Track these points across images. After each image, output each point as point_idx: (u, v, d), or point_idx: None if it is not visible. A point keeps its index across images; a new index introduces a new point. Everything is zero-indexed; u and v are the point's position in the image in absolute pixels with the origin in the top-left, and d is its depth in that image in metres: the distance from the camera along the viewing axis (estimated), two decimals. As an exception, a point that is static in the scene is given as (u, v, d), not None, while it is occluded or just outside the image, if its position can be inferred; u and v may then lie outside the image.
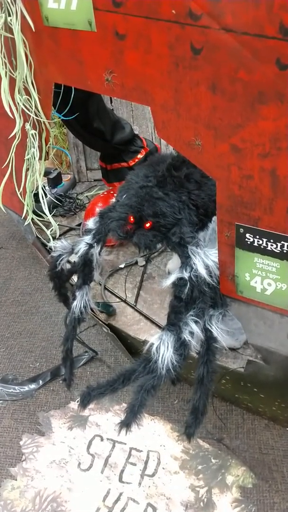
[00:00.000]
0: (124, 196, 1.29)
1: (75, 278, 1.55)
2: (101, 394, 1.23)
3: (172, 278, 1.20)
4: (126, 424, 1.15)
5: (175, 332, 1.16)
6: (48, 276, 1.53)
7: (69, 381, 1.50)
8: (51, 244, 1.59)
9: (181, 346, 1.16)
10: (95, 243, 1.35)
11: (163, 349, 1.14)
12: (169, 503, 1.47)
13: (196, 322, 1.17)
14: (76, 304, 1.39)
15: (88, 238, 1.36)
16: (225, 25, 0.84)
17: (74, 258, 1.47)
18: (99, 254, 1.38)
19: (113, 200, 2.06)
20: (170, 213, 1.23)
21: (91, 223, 1.38)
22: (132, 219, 1.25)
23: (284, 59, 0.81)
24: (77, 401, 1.22)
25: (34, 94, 1.17)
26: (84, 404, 1.26)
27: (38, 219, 1.57)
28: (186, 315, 1.17)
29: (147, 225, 1.25)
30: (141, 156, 2.13)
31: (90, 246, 1.35)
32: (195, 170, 1.28)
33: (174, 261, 1.73)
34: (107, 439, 1.65)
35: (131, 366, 1.22)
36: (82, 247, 1.35)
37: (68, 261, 1.49)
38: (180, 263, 1.31)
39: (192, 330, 1.17)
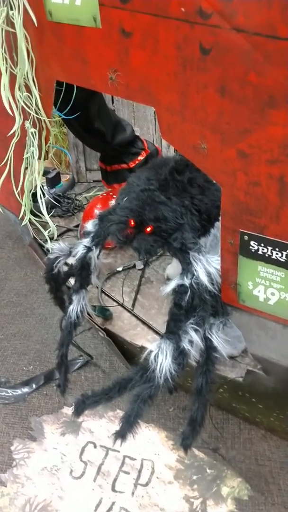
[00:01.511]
0: (125, 199, 1.26)
1: (72, 281, 1.52)
2: (96, 402, 1.20)
3: (172, 285, 1.17)
4: (121, 435, 1.12)
5: (174, 341, 1.13)
6: (44, 279, 1.49)
7: (63, 387, 1.47)
8: (48, 245, 1.56)
9: (180, 355, 1.12)
10: (94, 246, 1.31)
11: (161, 358, 1.10)
12: (163, 514, 1.44)
13: (196, 330, 1.14)
14: (73, 308, 1.36)
15: (86, 241, 1.33)
16: (237, 25, 0.81)
17: (72, 260, 1.44)
18: (98, 257, 1.35)
19: (113, 202, 2.05)
20: (172, 217, 1.20)
21: (90, 226, 1.34)
22: (132, 223, 1.22)
23: (297, 62, 0.78)
24: (71, 409, 1.19)
25: (35, 92, 1.13)
26: (78, 412, 1.23)
27: (35, 220, 1.53)
28: (186, 323, 1.14)
29: (148, 229, 1.21)
30: (142, 158, 2.10)
31: (89, 249, 1.32)
32: (199, 175, 1.24)
33: (173, 266, 1.70)
34: (100, 446, 1.61)
35: (127, 374, 1.18)
36: (80, 250, 1.32)
37: (66, 264, 1.46)
38: (180, 268, 1.28)
39: (192, 339, 1.14)
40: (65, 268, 1.49)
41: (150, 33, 0.91)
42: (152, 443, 1.61)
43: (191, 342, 1.13)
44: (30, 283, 2.27)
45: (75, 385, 1.81)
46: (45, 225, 1.72)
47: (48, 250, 1.58)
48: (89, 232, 1.33)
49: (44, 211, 1.41)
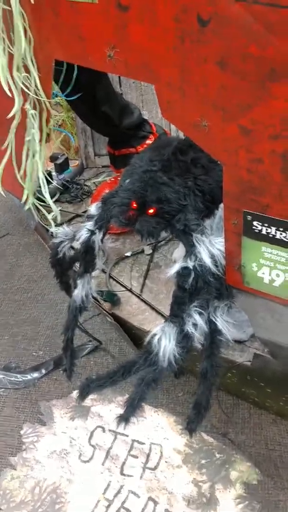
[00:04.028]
0: (127, 181, 1.24)
1: (77, 265, 1.52)
2: (100, 386, 1.19)
3: (176, 267, 1.15)
4: (125, 418, 1.12)
5: (178, 324, 1.11)
6: (50, 263, 1.49)
7: (69, 371, 1.47)
8: (52, 229, 1.55)
9: (183, 338, 1.11)
10: (97, 230, 1.30)
11: (164, 341, 1.09)
12: (171, 497, 1.44)
13: (200, 313, 1.12)
14: (78, 293, 1.35)
15: (90, 224, 1.31)
16: (235, -6, 0.77)
17: (77, 245, 1.43)
18: (102, 241, 1.33)
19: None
20: (174, 199, 1.17)
21: (93, 209, 1.33)
22: (135, 205, 1.19)
23: (298, 31, 0.74)
24: (76, 392, 1.19)
25: (34, 72, 1.11)
26: (83, 395, 1.23)
27: (39, 204, 1.52)
28: (189, 306, 1.12)
29: (151, 211, 1.19)
30: (150, 142, 2.07)
31: (92, 232, 1.30)
32: (202, 155, 1.21)
33: (180, 250, 1.68)
34: (109, 430, 1.61)
35: (131, 358, 1.18)
36: (83, 234, 1.31)
37: (72, 248, 1.45)
38: (184, 250, 1.26)
39: (196, 322, 1.12)
40: (72, 253, 1.48)
41: (148, 6, 0.88)
42: (161, 427, 1.60)
43: (195, 325, 1.11)
44: (41, 269, 2.28)
45: (85, 370, 1.81)
46: (51, 210, 1.71)
47: (53, 234, 1.58)
48: (92, 215, 1.32)
49: (46, 194, 1.40)
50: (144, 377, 1.10)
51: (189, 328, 1.11)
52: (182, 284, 1.13)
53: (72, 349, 1.44)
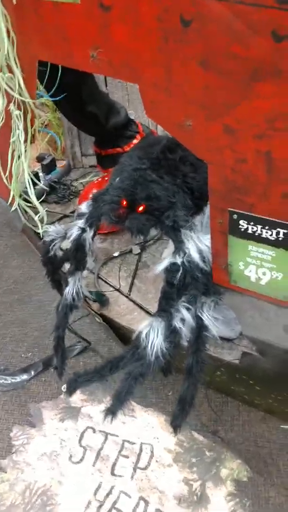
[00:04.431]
0: (117, 179, 1.25)
1: (67, 266, 1.52)
2: (88, 381, 1.21)
3: (164, 263, 1.17)
4: (112, 412, 1.13)
5: (166, 319, 1.13)
6: (41, 262, 1.50)
7: (60, 370, 1.47)
8: (40, 230, 1.55)
9: (171, 333, 1.12)
10: (88, 227, 1.31)
11: (152, 336, 1.10)
12: (162, 496, 1.44)
13: (187, 309, 1.13)
14: (68, 291, 1.36)
15: (80, 222, 1.32)
16: (217, -6, 0.77)
17: (65, 245, 1.43)
18: (92, 239, 1.34)
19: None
20: (164, 196, 1.18)
21: (84, 207, 1.34)
22: (125, 203, 1.20)
23: (280, 30, 0.75)
24: (63, 388, 1.20)
25: (17, 72, 1.10)
26: (70, 391, 1.24)
27: (26, 205, 1.52)
28: (177, 302, 1.13)
29: (140, 208, 1.20)
30: (137, 142, 2.06)
31: (83, 230, 1.31)
32: (191, 153, 1.22)
33: (170, 249, 1.68)
34: (100, 431, 1.61)
35: (119, 353, 1.19)
36: (74, 232, 1.32)
37: (61, 249, 1.45)
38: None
39: (184, 317, 1.13)
40: (60, 254, 1.48)
41: (130, 6, 0.87)
42: (151, 427, 1.60)
43: (183, 320, 1.13)
44: (28, 271, 2.26)
45: (74, 371, 1.79)
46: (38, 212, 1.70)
47: (41, 235, 1.58)
48: (83, 213, 1.33)
49: (32, 196, 1.39)
50: (131, 371, 1.11)
51: (177, 323, 1.12)
52: (171, 280, 1.14)
53: (63, 347, 1.44)
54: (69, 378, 1.23)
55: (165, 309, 1.14)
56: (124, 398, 1.12)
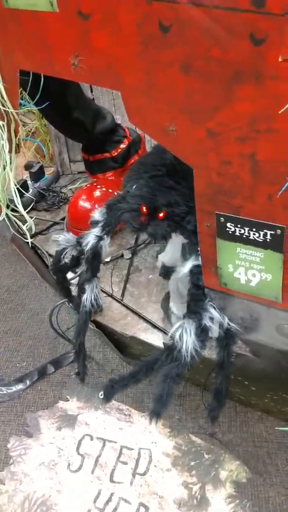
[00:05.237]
0: (134, 187, 1.27)
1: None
2: (124, 386, 1.23)
3: (188, 266, 1.19)
4: (156, 414, 1.16)
5: (196, 319, 1.16)
6: (51, 271, 1.53)
7: (82, 374, 1.51)
8: (29, 240, 1.55)
9: (202, 332, 1.16)
10: (105, 235, 1.34)
11: (186, 337, 1.14)
12: (162, 501, 1.44)
13: (214, 307, 1.17)
14: (87, 297, 1.40)
15: (97, 231, 1.34)
16: (195, -1, 0.78)
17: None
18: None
19: (98, 193, 2.03)
20: (182, 201, 1.21)
21: (97, 215, 1.36)
22: (145, 210, 1.22)
23: (257, 34, 0.75)
24: (100, 395, 1.26)
25: (-1, 83, 1.10)
26: (108, 397, 1.26)
27: (13, 215, 1.51)
28: (205, 302, 1.17)
29: (161, 215, 1.22)
30: (124, 146, 2.07)
31: (100, 238, 1.34)
32: None
33: (168, 252, 1.68)
34: (97, 438, 1.60)
35: (152, 357, 1.22)
36: (91, 240, 1.34)
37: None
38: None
39: (212, 316, 1.17)
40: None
41: (109, 13, 0.87)
42: (148, 432, 1.60)
43: (211, 318, 1.17)
44: (20, 279, 2.26)
45: (70, 378, 1.80)
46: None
47: (30, 244, 1.58)
48: (97, 221, 1.34)
49: (19, 205, 1.39)
50: (168, 373, 1.14)
51: (207, 322, 1.16)
52: (197, 282, 1.17)
53: (84, 352, 1.48)
54: (105, 385, 1.26)
55: (195, 311, 1.17)
56: (166, 400, 1.15)
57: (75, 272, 1.62)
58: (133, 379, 1.21)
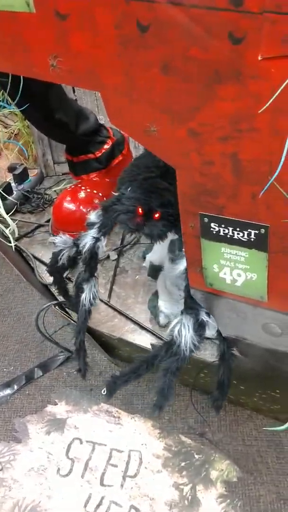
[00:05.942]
0: (129, 189, 1.29)
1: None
2: (126, 381, 1.27)
3: (184, 263, 1.20)
4: (159, 407, 1.21)
5: (194, 315, 1.19)
6: (48, 272, 1.56)
7: (83, 371, 1.53)
8: (12, 243, 1.54)
9: (199, 326, 1.20)
10: (102, 236, 1.36)
11: (184, 332, 1.18)
12: (153, 503, 1.43)
13: None
14: (85, 297, 1.43)
15: (93, 232, 1.36)
16: (172, -2, 0.77)
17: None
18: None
19: (83, 195, 2.02)
20: (176, 202, 1.21)
21: (93, 217, 1.38)
22: (140, 211, 1.24)
23: (236, 33, 0.74)
24: (103, 391, 1.36)
25: (-23, 85, 1.08)
26: (111, 393, 1.30)
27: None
28: None
29: (156, 215, 1.25)
30: (108, 147, 2.05)
31: (97, 239, 1.36)
32: None
33: (156, 251, 1.68)
34: (87, 441, 1.59)
35: (152, 352, 1.27)
36: (88, 241, 1.36)
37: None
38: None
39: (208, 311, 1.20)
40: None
41: (87, 14, 0.86)
42: (138, 433, 1.59)
43: (207, 313, 1.20)
44: (6, 283, 2.23)
45: (58, 382, 1.78)
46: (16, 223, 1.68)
47: (13, 248, 1.57)
48: (93, 222, 1.36)
49: (0, 209, 1.37)
50: (168, 367, 1.18)
51: (204, 316, 1.20)
52: None
53: (85, 349, 1.50)
54: (107, 381, 1.31)
55: (192, 307, 1.20)
56: (168, 393, 1.19)
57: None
58: (135, 375, 1.26)
